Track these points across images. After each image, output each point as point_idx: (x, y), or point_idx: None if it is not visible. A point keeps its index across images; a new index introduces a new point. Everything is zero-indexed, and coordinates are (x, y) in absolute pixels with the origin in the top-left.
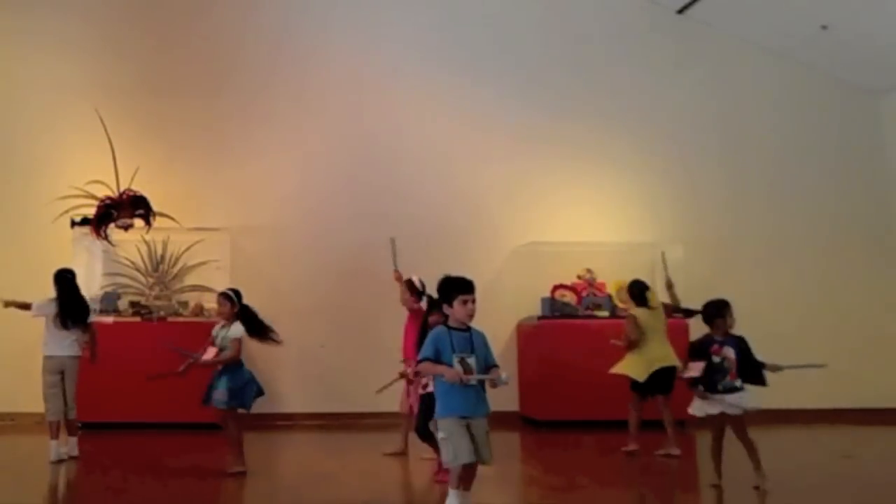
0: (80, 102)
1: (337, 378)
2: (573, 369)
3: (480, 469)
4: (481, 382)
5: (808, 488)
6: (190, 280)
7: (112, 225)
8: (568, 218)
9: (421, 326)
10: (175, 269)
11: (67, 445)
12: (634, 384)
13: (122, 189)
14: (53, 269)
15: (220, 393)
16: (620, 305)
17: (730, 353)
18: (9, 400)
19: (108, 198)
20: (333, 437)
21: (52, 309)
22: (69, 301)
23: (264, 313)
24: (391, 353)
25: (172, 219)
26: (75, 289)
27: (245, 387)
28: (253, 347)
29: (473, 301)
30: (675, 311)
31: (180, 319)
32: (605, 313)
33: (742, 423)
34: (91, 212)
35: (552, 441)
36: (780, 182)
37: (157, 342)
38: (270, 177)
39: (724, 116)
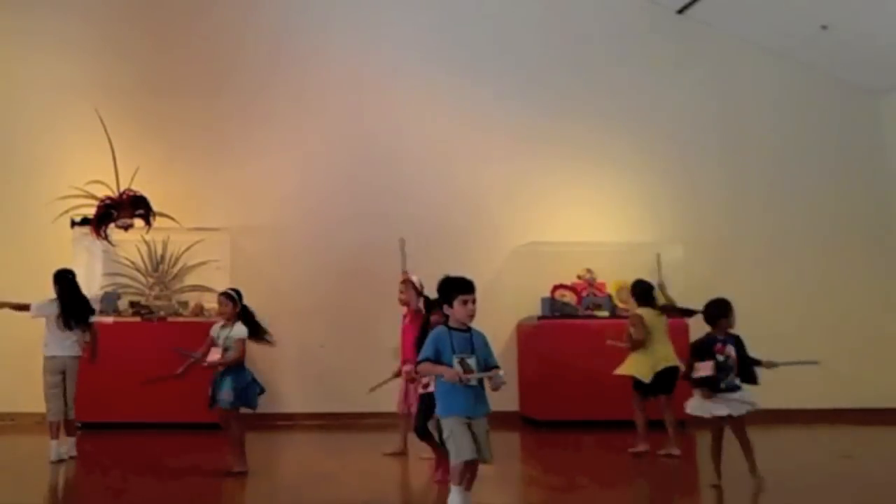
0: (80, 102)
1: (337, 378)
2: (573, 369)
3: (480, 469)
4: (481, 382)
5: (808, 488)
6: (190, 280)
7: (112, 225)
8: (568, 218)
9: (421, 327)
10: (175, 269)
11: (66, 445)
12: (637, 384)
13: (122, 189)
14: (53, 269)
15: (226, 393)
16: (620, 305)
17: (732, 351)
18: (9, 400)
19: (108, 198)
20: (333, 437)
21: (54, 309)
22: (71, 301)
23: (264, 313)
24: (391, 353)
25: (172, 219)
26: (76, 289)
27: (249, 386)
28: (252, 347)
29: (474, 301)
30: (673, 310)
31: (180, 319)
32: (605, 313)
33: (742, 422)
34: (91, 212)
35: (552, 441)
36: (780, 182)
37: (158, 343)
38: (270, 177)
39: (724, 116)
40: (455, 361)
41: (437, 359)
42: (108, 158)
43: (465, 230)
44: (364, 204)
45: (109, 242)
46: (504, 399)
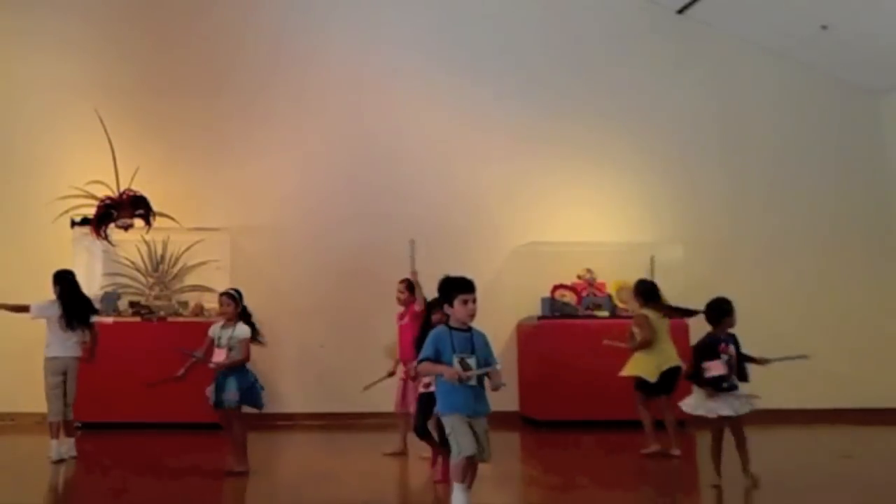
0: (80, 102)
1: (337, 378)
2: (573, 369)
3: (480, 468)
4: (481, 382)
5: (808, 488)
6: (190, 280)
7: (112, 225)
8: (568, 218)
9: (421, 326)
10: (175, 269)
11: (66, 445)
12: (640, 384)
13: (122, 189)
14: (53, 270)
15: (232, 393)
16: (620, 305)
17: (733, 350)
18: (9, 400)
19: (108, 198)
20: (333, 437)
21: (55, 310)
22: (73, 301)
23: (264, 313)
24: (383, 352)
25: (172, 219)
26: (78, 289)
27: (253, 386)
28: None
29: (474, 301)
30: (675, 311)
31: (180, 319)
32: (605, 313)
33: (742, 422)
34: (91, 212)
35: (552, 441)
36: (780, 182)
37: (158, 343)
38: (270, 177)
39: (724, 116)
40: (455, 361)
41: (437, 358)
42: (108, 158)
43: (465, 230)
44: (364, 204)
45: (109, 242)
46: (504, 399)
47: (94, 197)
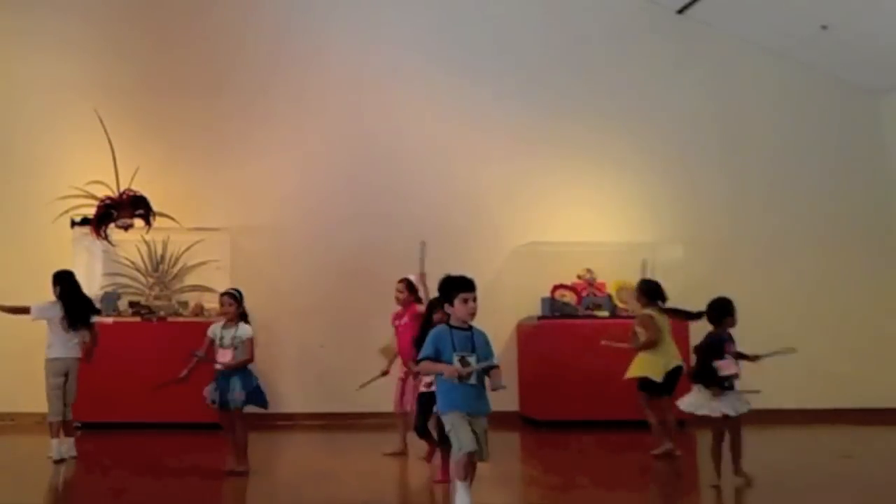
0: (80, 102)
1: (337, 378)
2: (573, 369)
3: (480, 468)
4: (482, 381)
5: (808, 488)
6: (190, 280)
7: (112, 225)
8: (568, 218)
9: (422, 326)
10: (175, 269)
11: (66, 445)
12: (644, 385)
13: (122, 189)
14: (53, 270)
15: (238, 394)
16: (620, 305)
17: (734, 349)
18: (9, 400)
19: (108, 198)
20: (333, 437)
21: (57, 311)
22: (75, 302)
23: (264, 313)
24: (378, 351)
25: (172, 219)
26: (79, 289)
27: (258, 386)
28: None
29: (475, 299)
30: (680, 314)
31: (180, 319)
32: (605, 313)
33: (740, 421)
34: (91, 212)
35: (552, 441)
36: (780, 182)
37: (158, 343)
38: (270, 177)
39: (724, 116)
40: (455, 359)
41: (437, 357)
42: (108, 158)
43: (465, 230)
44: (364, 204)
45: (109, 242)
46: (504, 399)
47: (94, 197)
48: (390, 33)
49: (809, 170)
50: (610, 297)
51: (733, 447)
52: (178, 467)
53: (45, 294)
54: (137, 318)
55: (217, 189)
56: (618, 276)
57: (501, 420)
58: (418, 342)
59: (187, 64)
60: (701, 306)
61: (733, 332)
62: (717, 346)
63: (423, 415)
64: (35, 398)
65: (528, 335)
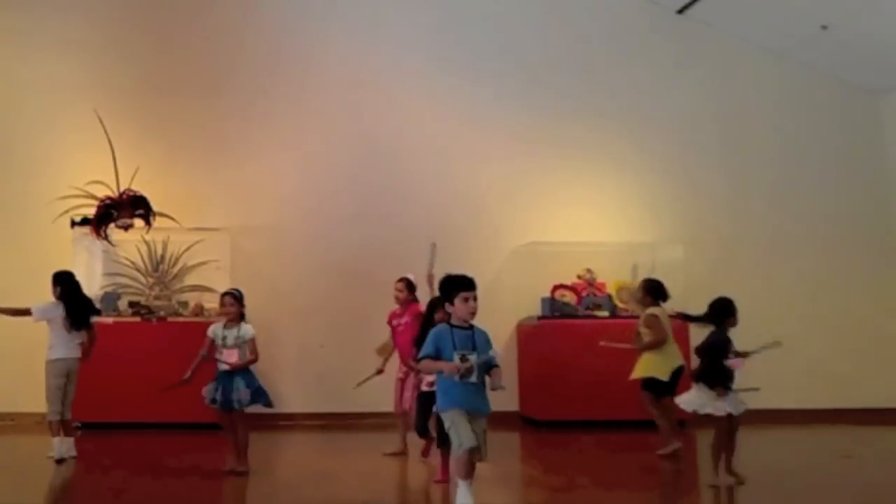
0: (80, 102)
1: (337, 378)
2: (573, 369)
3: (481, 468)
4: (482, 380)
5: (808, 488)
6: (190, 280)
7: (112, 225)
8: (568, 218)
9: (422, 325)
10: (175, 269)
11: (67, 444)
12: (649, 385)
13: (122, 189)
14: (53, 270)
15: (244, 394)
16: (620, 305)
17: (733, 348)
18: (9, 400)
19: (108, 198)
20: (333, 437)
21: (59, 311)
22: (76, 302)
23: (264, 313)
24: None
25: (172, 219)
26: (79, 289)
27: (261, 385)
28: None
29: (475, 298)
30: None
31: (180, 319)
32: (605, 313)
33: (739, 421)
34: (91, 212)
35: (552, 441)
36: (781, 182)
37: (158, 343)
38: (270, 177)
39: (724, 116)
40: (455, 358)
41: (437, 356)
42: (108, 158)
43: (465, 230)
44: (364, 204)
45: (109, 242)
46: (504, 399)
47: (94, 197)
48: (390, 33)
49: (809, 170)
50: (610, 297)
51: (730, 445)
52: (178, 467)
53: (45, 294)
54: (137, 318)
55: (217, 189)
56: (618, 276)
57: (501, 420)
58: (419, 342)
59: (187, 64)
60: (701, 306)
61: (734, 331)
62: (722, 346)
63: (424, 414)
64: (35, 398)
65: (528, 335)
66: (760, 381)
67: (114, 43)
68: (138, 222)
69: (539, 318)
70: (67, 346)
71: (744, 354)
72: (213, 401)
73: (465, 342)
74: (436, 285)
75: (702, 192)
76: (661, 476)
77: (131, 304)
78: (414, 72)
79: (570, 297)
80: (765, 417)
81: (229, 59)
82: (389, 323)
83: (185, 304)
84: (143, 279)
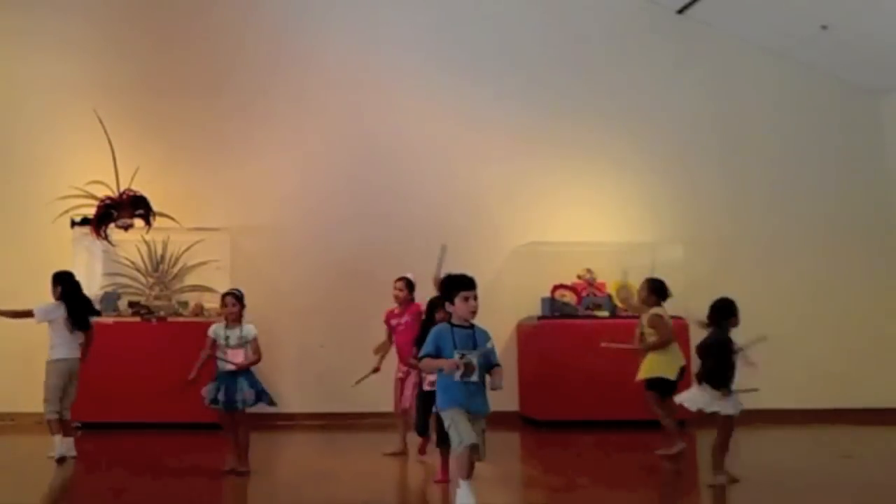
0: (80, 102)
1: (337, 378)
2: (573, 369)
3: (480, 469)
4: (482, 379)
5: (808, 488)
6: (190, 280)
7: (112, 225)
8: (568, 218)
9: (422, 325)
10: (175, 269)
11: (66, 445)
12: (655, 385)
13: (122, 189)
14: (53, 270)
15: (248, 394)
16: (620, 305)
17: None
18: (9, 400)
19: (108, 198)
20: (333, 437)
21: (62, 312)
22: (78, 302)
23: (264, 313)
24: (391, 353)
25: (172, 219)
26: (80, 289)
27: (262, 385)
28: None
29: (475, 297)
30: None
31: (180, 319)
32: (605, 313)
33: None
34: (91, 212)
35: (552, 441)
36: (781, 182)
37: (158, 343)
38: (270, 177)
39: (724, 116)
40: (455, 356)
41: (437, 355)
42: (108, 158)
43: (465, 230)
44: (364, 204)
45: (109, 242)
46: (504, 399)
47: (94, 197)
48: (390, 33)
49: (809, 170)
50: (610, 297)
51: (726, 446)
52: (178, 467)
53: (45, 294)
54: (137, 319)
55: (217, 189)
56: (618, 276)
57: (501, 420)
58: (419, 341)
59: (187, 64)
60: (701, 306)
61: (735, 331)
62: (725, 346)
63: (424, 413)
64: (35, 398)
65: (528, 335)
66: (760, 382)
67: (114, 43)
68: (138, 222)
69: (539, 318)
70: (69, 347)
71: (737, 351)
72: (215, 401)
73: (466, 341)
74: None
75: (702, 192)
76: (661, 476)
77: (131, 304)
78: (414, 72)
79: (570, 297)
80: (765, 417)
81: (229, 59)
82: (387, 322)
83: (185, 304)
84: (143, 279)
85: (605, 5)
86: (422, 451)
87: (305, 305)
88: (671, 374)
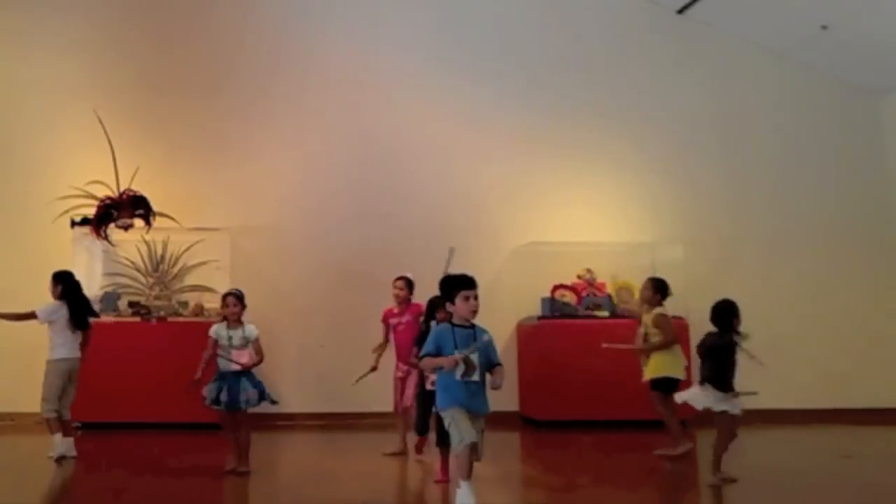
0: (80, 102)
1: (337, 378)
2: (573, 369)
3: (481, 469)
4: (483, 379)
5: (808, 488)
6: (190, 280)
7: (112, 225)
8: (568, 218)
9: (422, 325)
10: (175, 269)
11: (66, 445)
12: (660, 384)
13: (122, 189)
14: (53, 270)
15: (252, 394)
16: (621, 305)
17: None
18: (9, 400)
19: (108, 198)
20: (333, 437)
21: (64, 312)
22: (79, 301)
23: (264, 313)
24: (390, 353)
25: (172, 219)
26: (80, 289)
27: (262, 383)
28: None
29: (476, 297)
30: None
31: (180, 319)
32: (605, 313)
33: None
34: (91, 212)
35: (552, 441)
36: (781, 182)
37: (158, 343)
38: (270, 177)
39: (724, 116)
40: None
41: (438, 354)
42: (108, 158)
43: (465, 230)
44: (364, 204)
45: (109, 242)
46: (504, 399)
47: (94, 197)
48: (390, 33)
49: (809, 170)
50: (610, 297)
51: (725, 445)
52: (178, 467)
53: (45, 294)
54: (137, 318)
55: (217, 189)
56: (618, 276)
57: (501, 420)
58: (420, 341)
59: (187, 64)
60: (701, 306)
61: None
62: (729, 348)
63: (425, 413)
64: (35, 398)
65: (528, 335)
66: (760, 381)
67: (114, 43)
68: (138, 222)
69: (539, 318)
70: (71, 346)
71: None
72: (217, 401)
73: (467, 341)
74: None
75: (702, 192)
76: (661, 476)
77: (131, 304)
78: (414, 72)
79: (570, 297)
80: (765, 417)
81: (229, 59)
82: (385, 321)
83: (185, 304)
84: (143, 279)
85: (605, 5)
86: (419, 450)
87: (305, 305)
88: (680, 374)
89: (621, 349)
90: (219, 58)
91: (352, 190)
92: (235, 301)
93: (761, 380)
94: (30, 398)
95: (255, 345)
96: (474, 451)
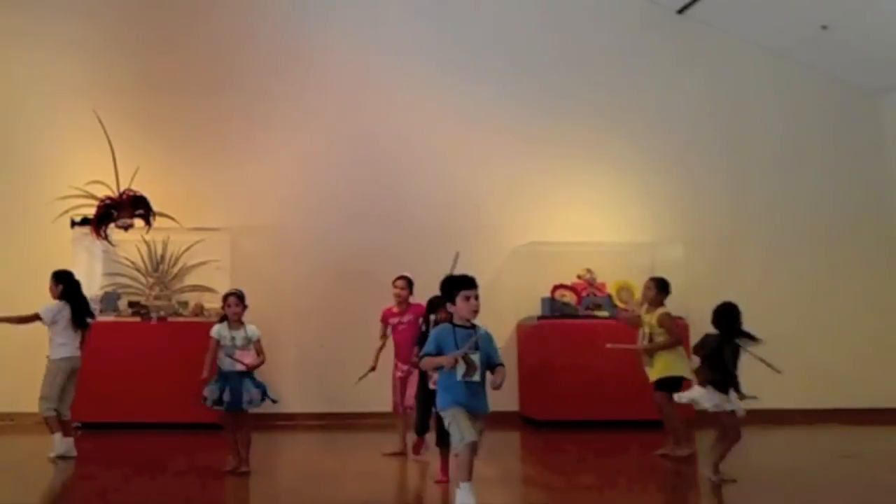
0: (80, 102)
1: (337, 378)
2: (573, 369)
3: (481, 469)
4: (483, 378)
5: (808, 488)
6: (190, 280)
7: (112, 225)
8: (568, 218)
9: (422, 324)
10: (175, 269)
11: (66, 444)
12: (665, 384)
13: (122, 189)
14: (53, 270)
15: (255, 393)
16: (621, 305)
17: None
18: (9, 400)
19: (108, 198)
20: (333, 437)
21: (66, 312)
22: (79, 300)
23: (264, 313)
24: (388, 353)
25: (172, 219)
26: (80, 288)
27: (262, 383)
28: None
29: (476, 297)
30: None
31: (180, 319)
32: (605, 313)
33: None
34: (91, 212)
35: (552, 441)
36: (781, 182)
37: (158, 343)
38: (270, 177)
39: (724, 116)
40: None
41: (438, 354)
42: (108, 158)
43: (465, 230)
44: (364, 204)
45: (109, 242)
46: (504, 399)
47: (94, 197)
48: (390, 33)
49: (809, 169)
50: (610, 297)
51: (727, 445)
52: (178, 467)
53: (45, 294)
54: (137, 318)
55: (217, 189)
56: (618, 276)
57: (501, 420)
58: (420, 341)
59: (187, 64)
60: (701, 306)
61: None
62: (736, 352)
63: (425, 413)
64: (35, 398)
65: (528, 335)
66: (760, 381)
67: (114, 43)
68: (138, 222)
69: (539, 318)
70: (73, 346)
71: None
72: (218, 401)
73: (467, 340)
74: (422, 283)
75: (702, 192)
76: (661, 476)
77: (131, 304)
78: (414, 72)
79: (570, 297)
80: (765, 417)
81: (229, 59)
82: (384, 321)
83: (185, 304)
84: (143, 279)
85: (606, 5)
86: (416, 450)
87: (305, 305)
88: (687, 373)
89: (626, 349)
90: (219, 58)
91: (352, 190)
92: (237, 301)
93: (761, 380)
94: (30, 398)
95: (257, 345)
96: (475, 450)
